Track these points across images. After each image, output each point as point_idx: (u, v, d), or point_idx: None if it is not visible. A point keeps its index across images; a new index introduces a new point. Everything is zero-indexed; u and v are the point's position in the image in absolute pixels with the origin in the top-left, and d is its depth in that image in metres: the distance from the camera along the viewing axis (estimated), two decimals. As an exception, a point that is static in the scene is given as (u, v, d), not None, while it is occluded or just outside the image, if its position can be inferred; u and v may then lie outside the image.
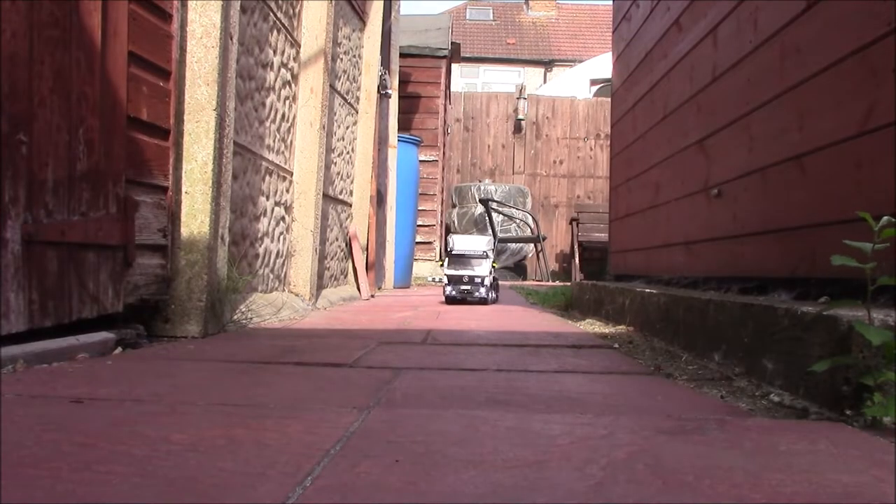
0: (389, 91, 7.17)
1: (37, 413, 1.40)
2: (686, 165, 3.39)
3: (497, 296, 5.61)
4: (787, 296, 2.31)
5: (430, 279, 9.13)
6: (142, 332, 2.58)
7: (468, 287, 5.07)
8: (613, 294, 3.75)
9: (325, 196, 5.20)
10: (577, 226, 11.47)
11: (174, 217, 2.80)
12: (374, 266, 6.66)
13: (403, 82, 8.97)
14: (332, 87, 5.12)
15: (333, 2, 4.78)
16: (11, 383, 1.66)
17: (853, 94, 1.99)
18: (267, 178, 4.00)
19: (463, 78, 21.34)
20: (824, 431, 1.38)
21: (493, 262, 5.18)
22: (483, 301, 5.11)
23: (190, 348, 2.44)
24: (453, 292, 5.09)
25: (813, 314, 1.64)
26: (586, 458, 1.14)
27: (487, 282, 5.09)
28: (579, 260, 11.29)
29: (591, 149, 12.78)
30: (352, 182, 6.14)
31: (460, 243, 5.22)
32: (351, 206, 6.12)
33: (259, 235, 3.91)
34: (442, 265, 4.83)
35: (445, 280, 5.12)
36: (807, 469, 1.11)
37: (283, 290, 4.36)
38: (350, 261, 6.06)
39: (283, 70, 4.20)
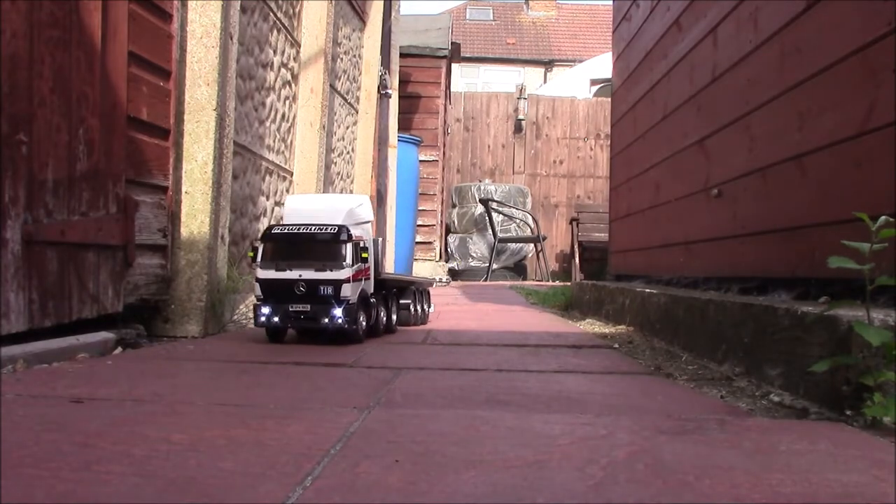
0: (389, 91, 7.17)
1: (37, 413, 1.39)
2: (686, 165, 3.39)
3: (400, 319, 3.23)
4: (788, 296, 2.31)
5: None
6: (142, 332, 2.58)
7: (305, 306, 2.52)
8: (613, 294, 3.75)
9: (325, 196, 5.20)
10: (577, 226, 11.46)
11: (174, 217, 2.80)
12: (374, 266, 6.66)
13: (403, 82, 8.96)
14: (332, 87, 5.12)
15: (333, 2, 4.78)
16: (11, 383, 1.66)
17: (853, 94, 1.99)
18: (267, 178, 4.00)
19: (463, 78, 21.34)
20: (824, 431, 1.38)
21: (363, 252, 2.60)
22: (342, 333, 2.56)
23: (190, 348, 2.44)
24: (274, 317, 2.53)
25: (813, 314, 1.64)
26: (586, 458, 1.14)
27: (348, 292, 2.51)
28: (579, 260, 11.28)
29: (591, 149, 12.78)
30: (352, 182, 6.14)
31: (296, 208, 2.77)
32: (351, 206, 6.12)
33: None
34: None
35: (258, 290, 2.57)
36: (807, 469, 1.11)
37: (283, 290, 4.36)
38: (350, 261, 6.06)
39: (283, 70, 4.20)
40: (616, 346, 2.76)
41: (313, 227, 2.56)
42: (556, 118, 12.85)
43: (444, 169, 10.47)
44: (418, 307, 3.46)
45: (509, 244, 11.23)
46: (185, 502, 0.91)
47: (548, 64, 23.77)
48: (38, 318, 2.03)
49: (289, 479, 1.01)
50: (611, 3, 5.24)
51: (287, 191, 4.38)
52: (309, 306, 2.51)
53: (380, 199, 6.95)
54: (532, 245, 11.37)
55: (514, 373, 2.07)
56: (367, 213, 2.83)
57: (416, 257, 9.18)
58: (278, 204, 4.21)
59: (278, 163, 4.19)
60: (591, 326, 3.59)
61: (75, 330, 2.17)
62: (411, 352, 2.52)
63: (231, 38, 3.02)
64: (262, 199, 3.96)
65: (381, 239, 2.86)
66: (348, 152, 6.00)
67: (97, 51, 2.27)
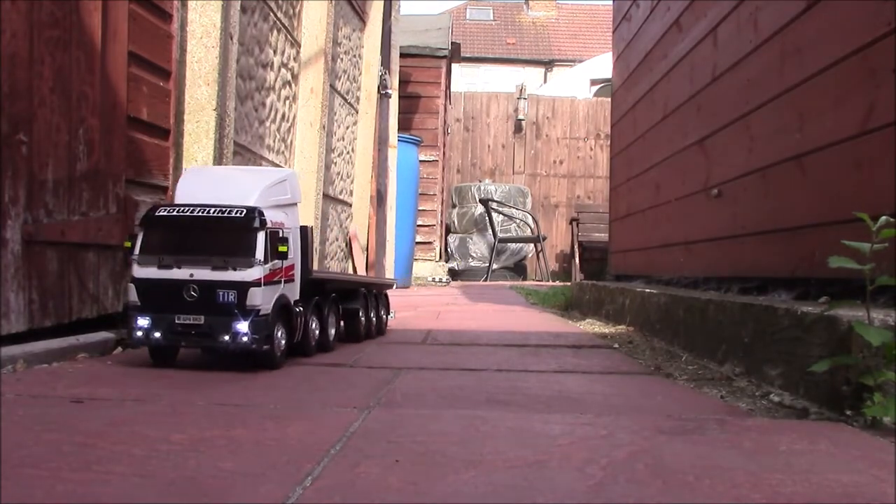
0: (389, 91, 7.17)
1: (37, 413, 1.39)
2: (686, 165, 3.39)
3: (348, 330, 2.63)
4: (787, 296, 2.31)
5: (430, 279, 9.12)
6: (142, 332, 2.58)
7: (197, 318, 1.92)
8: (613, 294, 3.75)
9: (325, 196, 5.20)
10: (577, 226, 11.46)
11: (174, 217, 2.80)
12: (374, 266, 6.66)
13: (403, 82, 8.96)
14: (332, 87, 5.12)
15: (333, 2, 4.78)
16: (11, 383, 1.66)
17: (853, 94, 1.99)
18: (267, 178, 4.00)
19: (463, 78, 21.33)
20: (824, 431, 1.38)
21: (281, 245, 1.98)
22: (250, 354, 1.96)
23: (190, 348, 2.44)
24: (155, 332, 1.93)
25: (813, 314, 1.64)
26: (586, 458, 1.14)
27: (259, 299, 1.92)
28: (579, 260, 11.29)
29: (591, 149, 12.78)
30: (352, 182, 6.14)
31: (194, 184, 2.12)
32: (351, 206, 6.12)
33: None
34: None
35: (133, 294, 1.96)
36: (807, 469, 1.11)
37: (283, 290, 4.35)
38: (350, 261, 6.06)
39: (283, 70, 4.20)
40: (616, 346, 2.76)
41: (212, 210, 1.94)
42: (556, 118, 12.85)
43: (444, 169, 10.47)
44: (371, 315, 2.79)
45: (509, 244, 11.23)
46: (185, 502, 0.91)
47: (548, 64, 23.76)
48: (38, 318, 2.03)
49: (289, 479, 1.01)
50: (611, 3, 5.24)
51: (287, 191, 4.37)
52: (203, 318, 1.90)
53: (380, 199, 6.95)
54: (532, 245, 11.37)
55: (514, 373, 2.07)
56: (292, 192, 2.17)
57: (416, 257, 9.18)
58: (278, 204, 4.21)
59: (278, 163, 4.19)
60: (591, 326, 3.59)
61: (75, 330, 2.17)
62: (411, 352, 2.52)
63: (231, 38, 3.01)
64: (262, 199, 3.96)
65: (310, 227, 2.24)
66: (348, 152, 6.00)
67: (97, 51, 2.26)
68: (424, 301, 5.52)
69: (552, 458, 1.14)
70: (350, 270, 6.07)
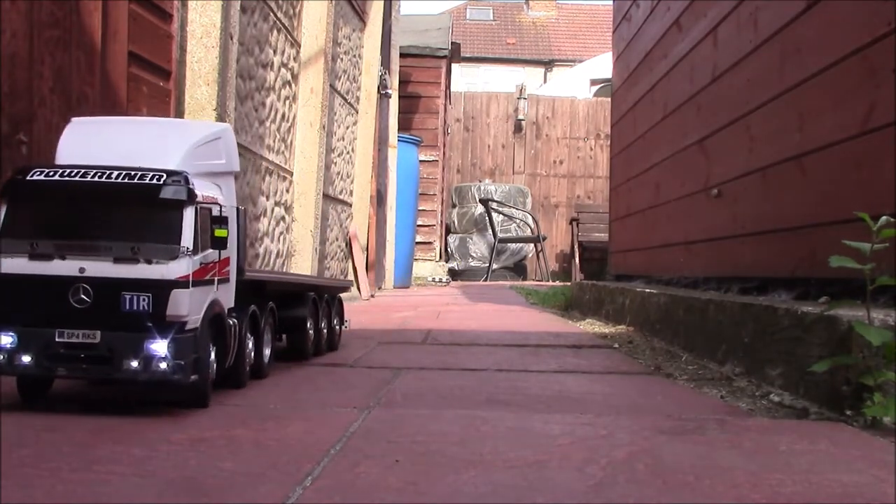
0: (389, 91, 7.17)
1: (37, 413, 1.39)
2: (686, 165, 3.39)
3: (292, 344, 2.13)
4: (787, 296, 2.31)
5: (430, 279, 9.12)
6: (142, 332, 2.57)
7: (90, 335, 1.32)
8: (613, 294, 3.75)
9: (325, 196, 5.20)
10: (577, 226, 11.47)
11: (174, 217, 2.80)
12: (374, 266, 6.66)
13: (403, 82, 8.96)
14: (332, 87, 5.12)
15: (333, 2, 4.78)
16: (12, 383, 1.65)
17: (853, 94, 1.99)
18: (267, 178, 4.00)
19: (463, 78, 21.33)
20: (824, 431, 1.38)
21: (218, 229, 1.42)
22: (169, 387, 1.39)
23: (190, 348, 2.44)
24: (23, 355, 1.32)
25: (813, 314, 1.64)
26: (586, 458, 1.14)
27: (185, 307, 1.35)
28: (579, 260, 11.29)
29: (591, 149, 12.78)
30: (352, 182, 6.14)
31: (87, 138, 1.50)
32: (351, 206, 6.12)
33: (259, 235, 3.92)
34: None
35: None
36: (807, 469, 1.11)
37: (283, 290, 4.34)
38: (350, 261, 6.06)
39: (283, 70, 4.20)
40: (616, 346, 2.76)
41: (115, 174, 1.36)
42: (556, 118, 12.85)
43: (444, 169, 10.47)
44: (322, 325, 2.24)
45: (509, 244, 11.24)
46: (185, 502, 0.91)
47: (548, 64, 23.77)
48: (38, 318, 2.03)
49: (289, 479, 1.01)
50: (611, 3, 5.24)
51: (287, 191, 4.37)
52: (98, 334, 1.33)
53: (380, 199, 6.94)
54: (532, 245, 11.38)
55: (514, 373, 2.07)
56: (228, 155, 1.60)
57: (416, 257, 9.18)
58: (278, 204, 4.22)
59: (278, 163, 4.19)
60: (591, 326, 3.59)
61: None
62: (411, 352, 2.52)
63: (231, 38, 3.01)
64: (262, 199, 3.96)
65: (244, 209, 1.68)
66: (348, 152, 6.00)
67: (97, 51, 2.27)
68: (424, 301, 5.52)
69: (552, 458, 1.14)
70: (350, 270, 6.07)
